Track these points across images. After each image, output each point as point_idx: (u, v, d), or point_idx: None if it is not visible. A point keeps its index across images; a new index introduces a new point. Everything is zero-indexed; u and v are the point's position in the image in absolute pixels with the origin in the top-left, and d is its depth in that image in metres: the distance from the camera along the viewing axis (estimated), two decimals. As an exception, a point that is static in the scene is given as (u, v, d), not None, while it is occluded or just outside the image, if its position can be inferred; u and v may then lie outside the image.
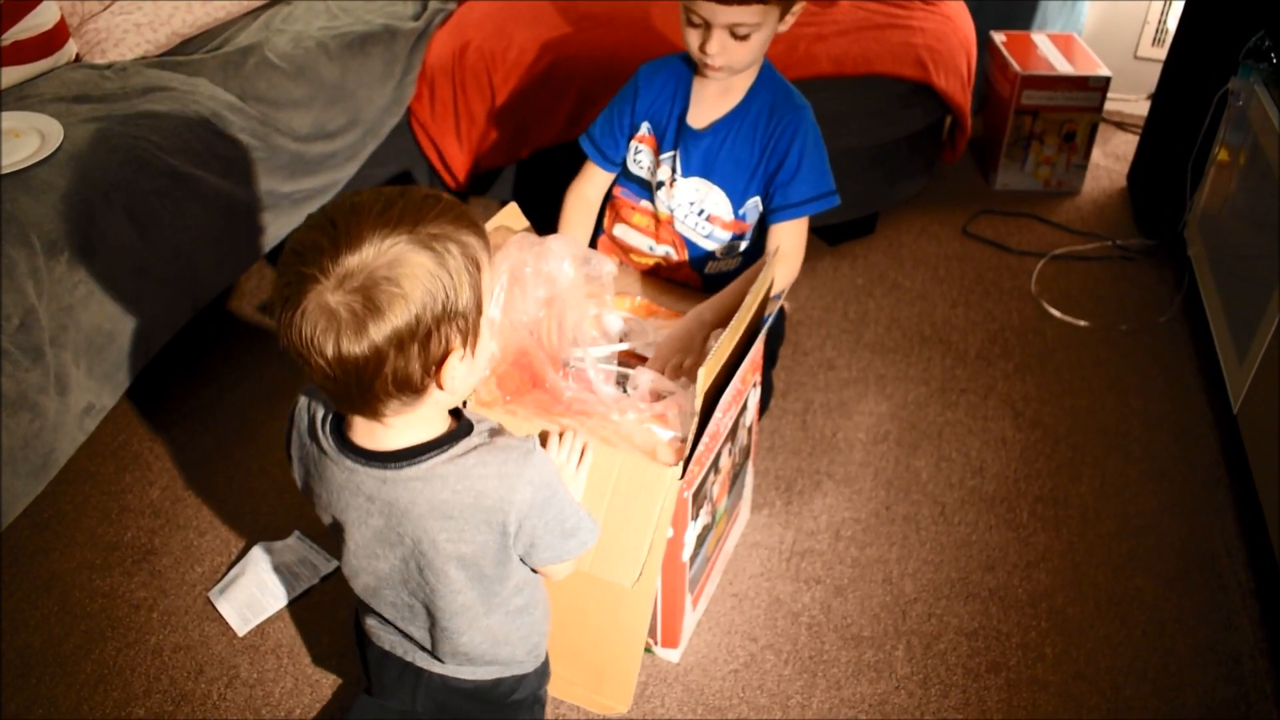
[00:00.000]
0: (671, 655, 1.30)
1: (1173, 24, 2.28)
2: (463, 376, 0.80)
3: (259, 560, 1.40)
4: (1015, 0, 2.35)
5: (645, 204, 1.43)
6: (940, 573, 1.41)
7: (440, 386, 0.79)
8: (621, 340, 1.30)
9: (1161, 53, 2.34)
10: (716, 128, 1.33)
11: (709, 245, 1.40)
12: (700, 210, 1.37)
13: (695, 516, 1.16)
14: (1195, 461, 1.57)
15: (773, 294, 1.27)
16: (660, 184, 1.39)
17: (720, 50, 1.21)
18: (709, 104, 1.33)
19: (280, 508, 1.51)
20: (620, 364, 1.26)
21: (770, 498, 1.52)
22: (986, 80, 2.31)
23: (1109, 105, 2.43)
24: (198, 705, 1.26)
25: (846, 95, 1.78)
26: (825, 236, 2.07)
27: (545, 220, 1.43)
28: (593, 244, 1.47)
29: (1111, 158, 2.37)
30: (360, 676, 1.28)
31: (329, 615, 1.36)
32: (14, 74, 1.65)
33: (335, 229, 0.73)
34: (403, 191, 0.77)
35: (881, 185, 1.95)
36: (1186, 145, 1.88)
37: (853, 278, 1.98)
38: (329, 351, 0.73)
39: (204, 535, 1.48)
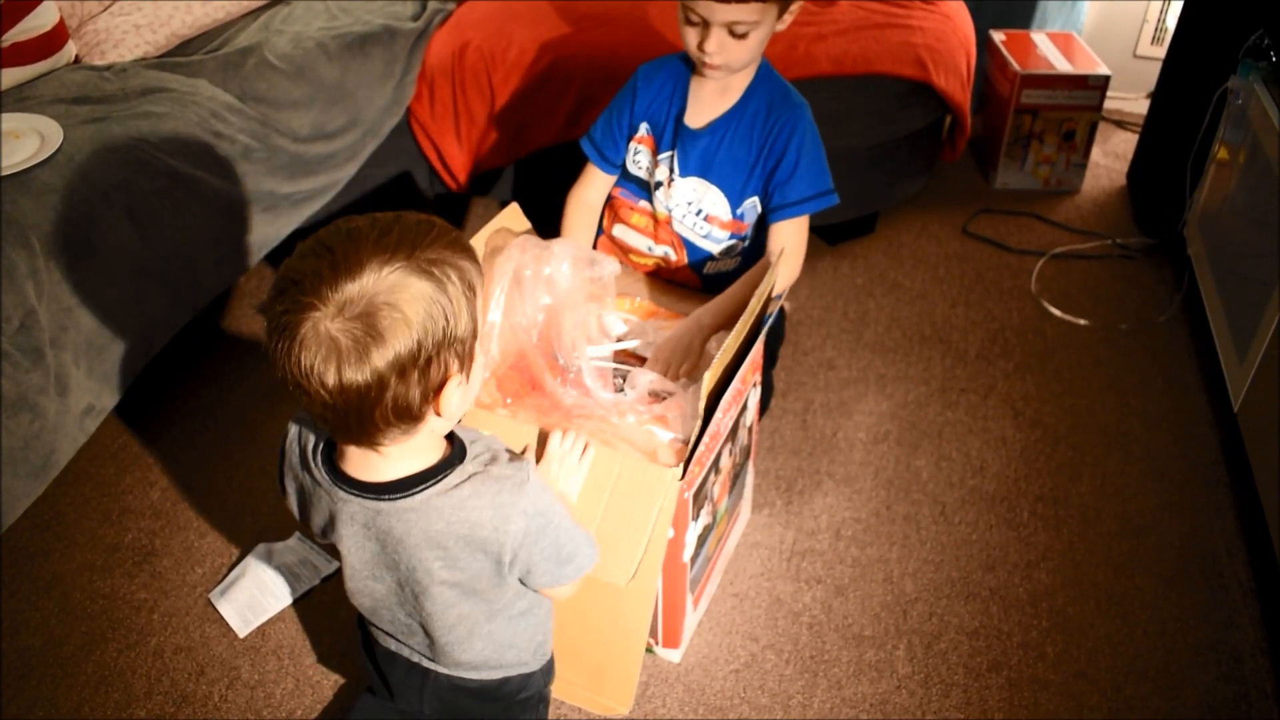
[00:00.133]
0: (672, 655, 1.30)
1: (1172, 22, 2.28)
2: (458, 401, 0.80)
3: (260, 561, 1.40)
4: (1014, 0, 2.36)
5: (644, 204, 1.43)
6: (941, 572, 1.41)
7: (438, 413, 0.78)
8: (620, 341, 1.30)
9: (1161, 51, 2.34)
10: (714, 127, 1.33)
11: (707, 245, 1.40)
12: (698, 210, 1.37)
13: (696, 517, 1.16)
14: (1195, 461, 1.57)
15: (774, 294, 1.27)
16: (658, 184, 1.39)
17: (718, 49, 1.21)
18: (707, 103, 1.33)
19: (281, 508, 1.51)
20: (619, 365, 1.26)
21: (771, 498, 1.52)
22: (986, 79, 2.31)
23: (1108, 104, 2.43)
24: (199, 707, 1.26)
25: (846, 95, 1.78)
26: (825, 236, 2.07)
27: (546, 221, 1.43)
28: (593, 246, 1.47)
29: (1111, 156, 2.37)
30: (361, 677, 1.28)
31: (330, 616, 1.36)
32: (13, 75, 1.65)
33: (334, 256, 0.72)
34: (397, 217, 0.77)
35: (881, 185, 1.95)
36: (1186, 144, 1.88)
37: (853, 277, 1.98)
38: (330, 380, 0.72)
39: (205, 536, 1.48)
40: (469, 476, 0.84)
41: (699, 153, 1.34)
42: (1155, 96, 2.11)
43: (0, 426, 1.26)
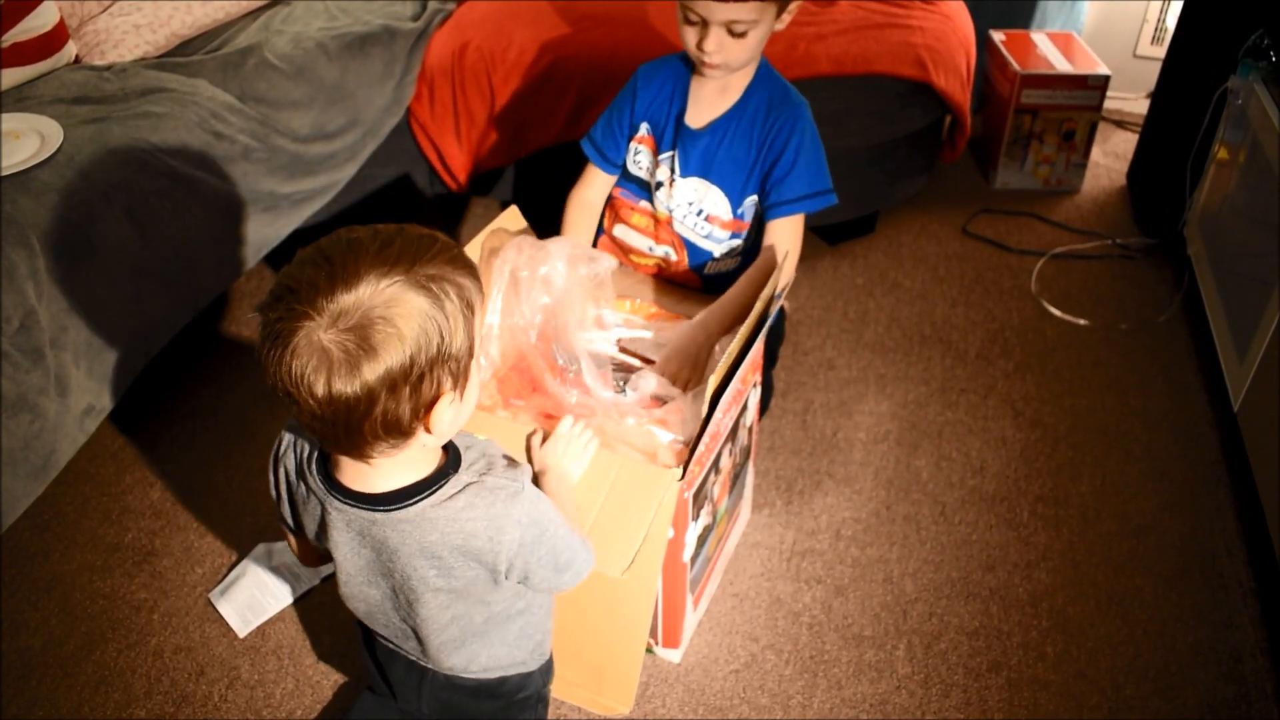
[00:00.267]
0: (672, 655, 1.30)
1: (1172, 22, 2.28)
2: (450, 419, 0.79)
3: (259, 561, 1.40)
4: (1014, 0, 2.35)
5: (644, 204, 1.43)
6: (941, 572, 1.41)
7: (428, 430, 0.78)
8: (620, 342, 1.30)
9: (1161, 51, 2.34)
10: (714, 127, 1.33)
11: (708, 245, 1.40)
12: (699, 210, 1.37)
13: (696, 517, 1.16)
14: (1195, 460, 1.57)
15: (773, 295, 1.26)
16: (659, 184, 1.39)
17: (718, 48, 1.21)
18: (707, 103, 1.33)
19: (281, 509, 1.51)
20: (619, 367, 1.26)
21: (771, 498, 1.52)
22: (986, 79, 2.31)
23: (1108, 104, 2.43)
24: (199, 706, 1.26)
25: (846, 95, 1.78)
26: (825, 236, 2.07)
27: (546, 221, 1.43)
28: (593, 246, 1.47)
29: (1111, 156, 2.37)
30: (361, 676, 1.28)
31: (330, 616, 1.36)
32: (13, 75, 1.65)
33: (332, 266, 0.72)
34: (399, 231, 0.76)
35: (881, 185, 1.95)
36: (1186, 144, 1.88)
37: (853, 277, 1.98)
38: (319, 391, 0.71)
39: (204, 536, 1.48)
40: (464, 487, 0.83)
41: (699, 152, 1.34)
42: (1155, 96, 2.11)
43: (0, 427, 1.26)
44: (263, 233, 1.69)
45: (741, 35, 1.20)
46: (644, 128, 1.38)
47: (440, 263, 0.75)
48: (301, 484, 0.88)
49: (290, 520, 0.94)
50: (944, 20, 1.90)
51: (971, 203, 2.21)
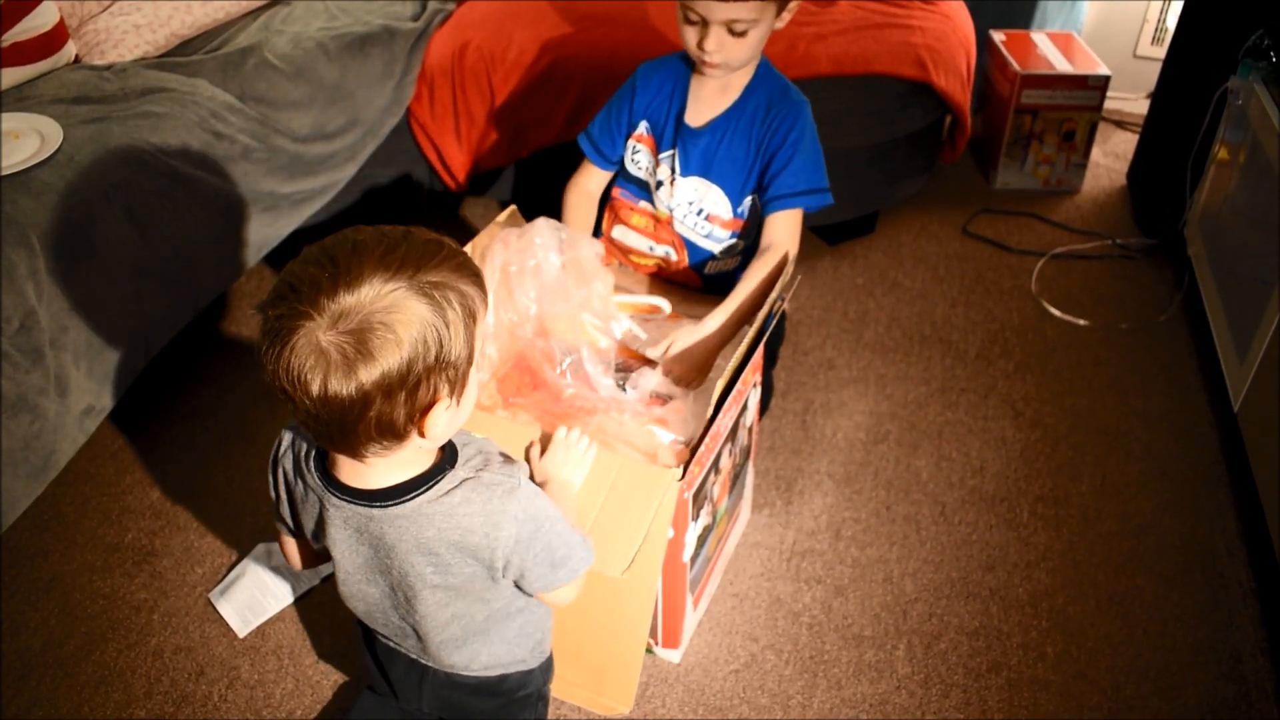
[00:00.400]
0: (672, 656, 1.30)
1: (1172, 22, 2.28)
2: (445, 425, 0.79)
3: (259, 561, 1.40)
4: (1014, 0, 2.35)
5: (644, 205, 1.43)
6: (941, 572, 1.41)
7: (422, 434, 0.78)
8: (620, 338, 1.30)
9: (1161, 51, 2.34)
10: (714, 126, 1.33)
11: (708, 245, 1.40)
12: (699, 210, 1.37)
13: (696, 517, 1.16)
14: (1196, 460, 1.57)
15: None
16: (660, 183, 1.39)
17: (718, 47, 1.21)
18: (707, 102, 1.33)
19: (281, 509, 1.51)
20: (619, 365, 1.26)
21: (771, 498, 1.52)
22: (986, 79, 2.31)
23: (1108, 104, 2.43)
24: (199, 707, 1.26)
25: (846, 95, 1.78)
26: (825, 236, 2.07)
27: (545, 221, 1.43)
28: (594, 232, 1.47)
29: (1111, 156, 2.37)
30: (361, 676, 1.28)
31: (330, 616, 1.36)
32: (13, 75, 1.65)
33: (336, 267, 0.72)
34: (406, 235, 0.76)
35: (881, 185, 1.95)
36: (1186, 144, 1.88)
37: (853, 277, 1.98)
38: (315, 390, 0.71)
39: (204, 536, 1.48)
40: (460, 482, 0.83)
41: (699, 152, 1.34)
42: (1155, 96, 2.11)
43: (0, 427, 1.26)
44: (263, 233, 1.69)
45: (741, 34, 1.21)
46: (643, 126, 1.38)
47: (445, 270, 0.75)
48: (300, 482, 0.88)
49: (289, 520, 0.94)
50: (944, 20, 1.90)
51: (972, 203, 2.21)
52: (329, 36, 1.78)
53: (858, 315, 1.89)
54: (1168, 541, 1.44)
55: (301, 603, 1.38)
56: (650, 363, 1.25)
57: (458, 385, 0.78)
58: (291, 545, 1.00)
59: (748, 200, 1.35)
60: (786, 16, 1.25)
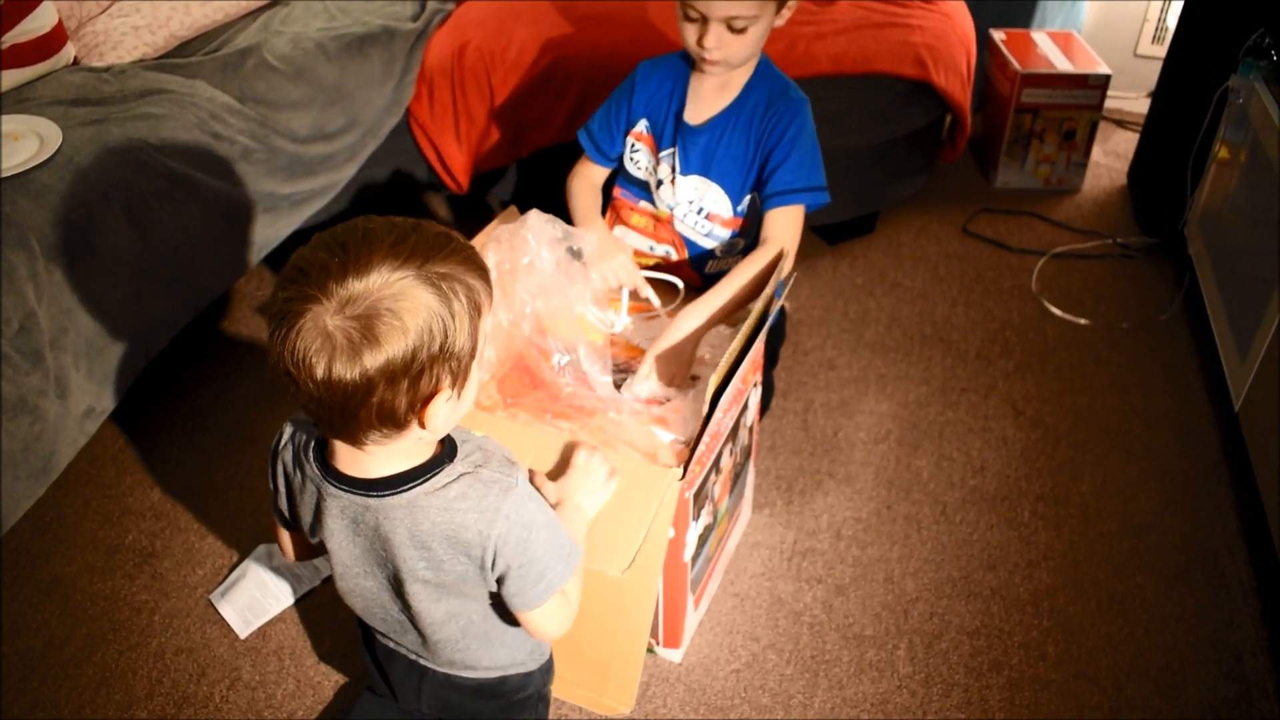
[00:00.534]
0: (673, 655, 1.30)
1: (1173, 21, 2.28)
2: (445, 416, 0.79)
3: (260, 562, 1.40)
4: (1014, -1, 2.36)
5: (644, 205, 1.43)
6: (942, 572, 1.41)
7: (422, 425, 0.78)
8: (617, 333, 1.30)
9: (1161, 50, 2.34)
10: (713, 124, 1.33)
11: (708, 244, 1.40)
12: (700, 209, 1.37)
13: (697, 517, 1.16)
14: (1197, 459, 1.57)
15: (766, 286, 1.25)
16: (660, 182, 1.39)
17: (717, 44, 1.21)
18: (706, 100, 1.33)
19: (281, 510, 1.51)
20: (619, 366, 1.26)
21: (771, 497, 1.52)
22: (986, 78, 2.31)
23: (1109, 103, 2.43)
24: (200, 708, 1.26)
25: (846, 94, 1.78)
26: (825, 235, 2.07)
27: (545, 221, 1.43)
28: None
29: (1112, 156, 2.36)
30: (362, 677, 1.28)
31: (331, 617, 1.36)
32: (12, 77, 1.65)
33: (345, 253, 0.73)
34: (416, 226, 0.77)
35: (881, 184, 1.94)
36: (1187, 143, 1.88)
37: (853, 277, 1.98)
38: (319, 373, 0.72)
39: (205, 537, 1.48)
40: (458, 477, 0.83)
41: (699, 150, 1.34)
42: (1156, 96, 2.11)
43: (0, 429, 1.26)
44: (262, 234, 1.69)
45: (741, 31, 1.21)
46: (643, 125, 1.38)
47: (453, 262, 0.76)
48: (299, 473, 0.89)
49: (286, 512, 0.95)
50: (944, 19, 1.89)
51: (972, 202, 2.21)
52: (328, 37, 1.78)
53: (858, 315, 1.89)
54: (1169, 540, 1.44)
55: (302, 604, 1.38)
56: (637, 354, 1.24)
57: (460, 377, 0.78)
58: (287, 539, 1.00)
59: (748, 198, 1.35)
60: (786, 14, 1.25)
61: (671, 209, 1.39)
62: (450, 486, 0.83)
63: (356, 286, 0.72)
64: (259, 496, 1.54)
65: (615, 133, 1.40)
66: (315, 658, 1.32)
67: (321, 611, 1.37)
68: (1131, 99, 2.49)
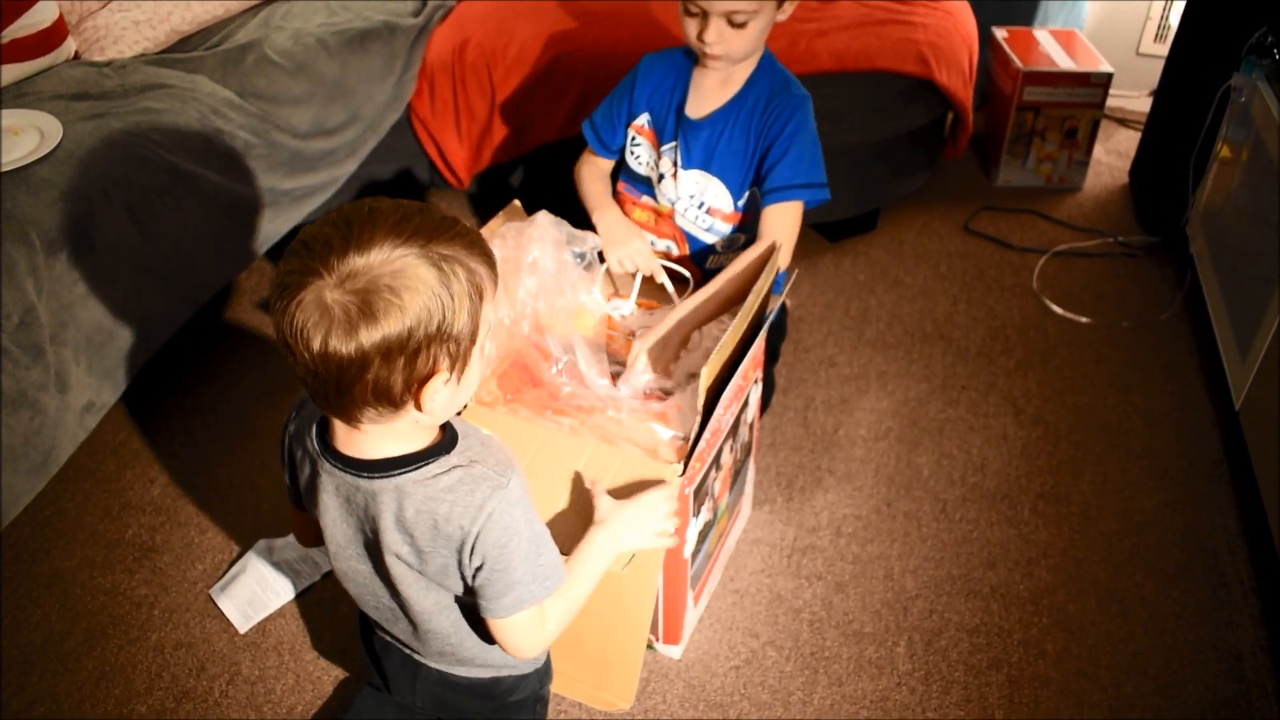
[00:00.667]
0: (673, 652, 1.30)
1: (1175, 20, 2.28)
2: (444, 401, 0.79)
3: (260, 557, 1.40)
4: (1017, -4, 2.35)
5: (646, 199, 1.43)
6: (941, 569, 1.41)
7: (419, 407, 0.78)
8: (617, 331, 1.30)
9: (1164, 49, 2.33)
10: (714, 118, 1.32)
11: (709, 238, 1.40)
12: (701, 203, 1.37)
13: (697, 513, 1.16)
14: (1197, 458, 1.57)
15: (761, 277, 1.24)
16: (662, 177, 1.39)
17: (718, 39, 1.21)
18: (708, 95, 1.33)
19: (282, 504, 1.51)
20: (616, 358, 1.25)
21: (771, 494, 1.52)
22: (988, 76, 2.31)
23: (1111, 101, 2.42)
24: (199, 702, 1.26)
25: (848, 91, 1.78)
26: (826, 233, 2.07)
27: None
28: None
29: (1113, 154, 2.36)
30: (361, 673, 1.28)
31: (330, 612, 1.36)
32: (13, 71, 1.65)
33: (349, 229, 0.73)
34: (422, 208, 0.77)
35: (883, 181, 1.94)
36: (1189, 142, 1.88)
37: (854, 274, 1.98)
38: (315, 346, 0.72)
39: (205, 532, 1.48)
40: (451, 469, 0.83)
41: (701, 145, 1.34)
42: (1158, 94, 2.11)
43: (0, 423, 1.26)
44: (263, 229, 1.69)
45: (741, 26, 1.21)
46: (644, 119, 1.38)
47: (457, 245, 0.76)
48: (300, 447, 0.89)
49: (289, 483, 0.95)
50: (946, 17, 1.89)
51: (973, 200, 2.21)
52: (329, 32, 1.78)
53: (859, 312, 1.89)
54: (1168, 539, 1.44)
55: (302, 599, 1.38)
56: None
57: (459, 361, 0.78)
58: (298, 521, 1.00)
59: (748, 194, 1.35)
60: (789, 8, 1.25)
61: (673, 203, 1.39)
62: (441, 478, 0.82)
63: (358, 262, 0.72)
64: (259, 492, 1.54)
65: (617, 124, 1.40)
66: (315, 653, 1.32)
67: (321, 607, 1.37)
68: (1133, 97, 2.49)
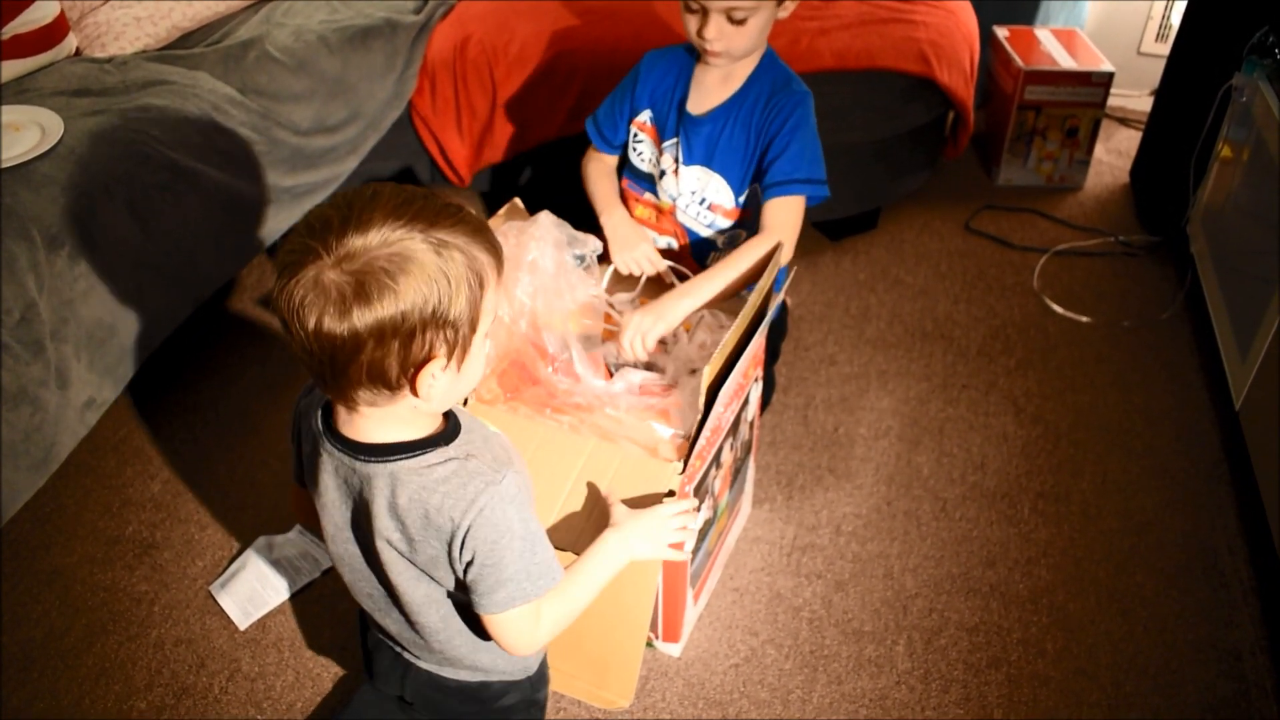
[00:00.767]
0: (673, 650, 1.30)
1: (1176, 19, 2.27)
2: (442, 388, 0.78)
3: (260, 554, 1.40)
4: (1018, -5, 2.35)
5: (648, 196, 1.43)
6: (941, 568, 1.41)
7: (415, 392, 0.77)
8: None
9: (1165, 48, 2.33)
10: (715, 115, 1.33)
11: (711, 235, 1.40)
12: (702, 199, 1.37)
13: (696, 511, 1.16)
14: (1197, 458, 1.57)
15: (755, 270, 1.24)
16: (663, 173, 1.39)
17: (718, 35, 1.21)
18: (709, 91, 1.33)
19: (282, 501, 1.51)
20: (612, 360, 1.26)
21: (771, 493, 1.52)
22: (989, 75, 2.31)
23: (1112, 101, 2.42)
24: (199, 699, 1.27)
25: (849, 90, 1.78)
26: (827, 231, 2.07)
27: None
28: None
29: (1114, 153, 2.36)
30: (361, 669, 1.28)
31: (330, 609, 1.36)
32: (14, 68, 1.64)
33: (350, 210, 0.74)
34: (427, 194, 0.77)
35: (884, 180, 1.94)
36: (1189, 141, 1.88)
37: (855, 273, 1.98)
38: (310, 325, 0.73)
39: (205, 529, 1.49)
40: (447, 460, 0.82)
41: (702, 141, 1.34)
42: (1159, 93, 2.11)
43: (1, 419, 1.26)
44: (264, 226, 1.69)
45: (741, 22, 1.21)
46: (646, 115, 1.38)
47: (459, 231, 0.75)
48: (306, 425, 0.89)
49: (294, 460, 0.95)
50: (948, 15, 1.89)
51: (974, 199, 2.20)
52: (330, 29, 1.78)
53: (859, 311, 1.89)
54: (1168, 539, 1.44)
55: (302, 596, 1.38)
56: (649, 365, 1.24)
57: (457, 348, 0.77)
58: (299, 497, 0.99)
59: (749, 190, 1.35)
60: (789, 6, 1.25)
61: (674, 199, 1.39)
62: (436, 468, 0.82)
63: (356, 243, 0.72)
64: (260, 489, 1.54)
65: (619, 120, 1.40)
66: (314, 650, 1.32)
67: (321, 604, 1.37)
68: (1134, 97, 2.49)
